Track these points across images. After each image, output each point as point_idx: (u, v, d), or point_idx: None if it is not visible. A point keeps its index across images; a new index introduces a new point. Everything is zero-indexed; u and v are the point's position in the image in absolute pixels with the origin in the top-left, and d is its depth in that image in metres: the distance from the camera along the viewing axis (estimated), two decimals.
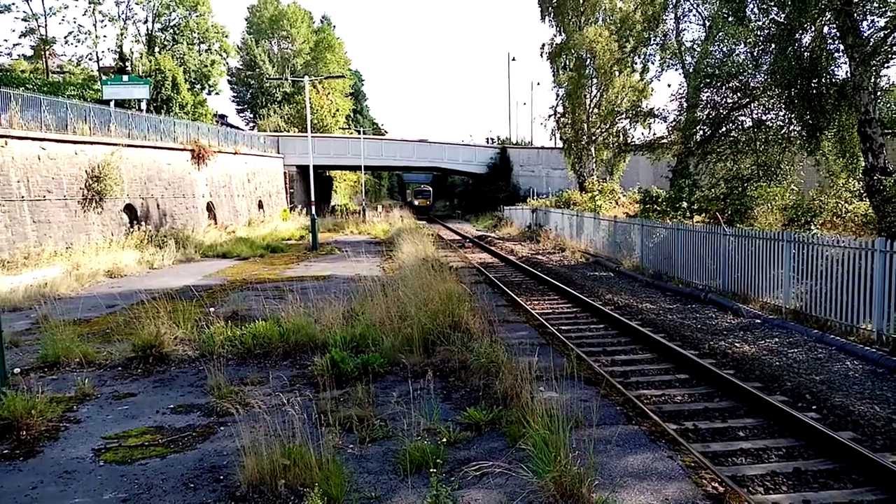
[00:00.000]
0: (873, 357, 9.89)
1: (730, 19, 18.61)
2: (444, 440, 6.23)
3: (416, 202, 78.68)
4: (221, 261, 24.70)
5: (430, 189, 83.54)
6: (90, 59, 53.52)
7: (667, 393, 8.90)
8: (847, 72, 16.37)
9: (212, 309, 12.85)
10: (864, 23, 16.19)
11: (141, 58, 50.03)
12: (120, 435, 6.88)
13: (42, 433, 6.89)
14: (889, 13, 15.72)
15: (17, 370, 9.10)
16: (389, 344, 9.35)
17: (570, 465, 5.06)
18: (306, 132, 34.42)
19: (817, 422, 7.39)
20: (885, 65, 16.34)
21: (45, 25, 50.73)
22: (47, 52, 51.73)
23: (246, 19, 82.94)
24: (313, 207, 31.05)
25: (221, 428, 6.99)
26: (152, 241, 25.51)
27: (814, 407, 8.18)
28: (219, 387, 8.00)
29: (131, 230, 26.15)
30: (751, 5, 18.17)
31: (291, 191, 54.43)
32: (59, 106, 24.98)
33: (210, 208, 36.66)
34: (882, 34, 15.65)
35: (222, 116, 66.97)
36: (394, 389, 8.01)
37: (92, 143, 25.41)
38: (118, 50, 52.56)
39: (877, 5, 15.92)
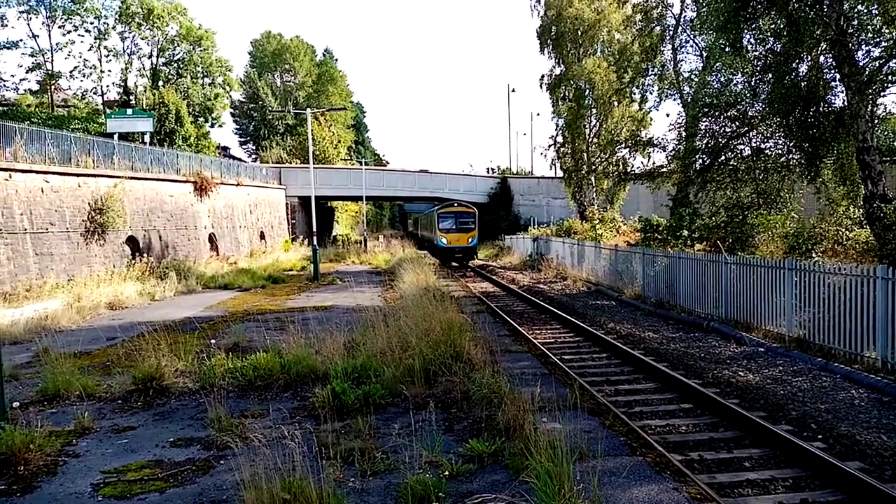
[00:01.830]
0: (878, 385, 9.81)
1: (727, 49, 18.83)
2: (447, 473, 6.16)
3: (444, 239, 40.07)
4: (223, 292, 24.69)
5: (475, 212, 41.32)
6: (95, 93, 54.28)
7: (671, 423, 8.82)
8: (844, 100, 16.53)
9: (212, 341, 12.81)
10: (860, 52, 16.39)
11: (145, 91, 50.68)
12: (119, 469, 6.80)
13: (40, 468, 6.82)
14: (884, 43, 15.91)
15: (16, 404, 9.05)
16: (391, 375, 9.30)
17: (575, 498, 4.99)
18: (308, 163, 34.65)
19: (824, 451, 7.30)
20: (882, 93, 16.52)
21: (52, 60, 51.55)
22: (53, 87, 52.42)
23: (249, 53, 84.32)
24: (315, 238, 31.13)
25: (221, 461, 6.92)
26: (154, 272, 25.51)
27: (820, 436, 8.09)
28: (219, 419, 7.94)
29: (133, 262, 26.18)
30: (747, 36, 18.40)
31: (293, 221, 54.63)
32: (63, 139, 25.20)
33: (212, 239, 36.76)
34: (877, 63, 15.83)
35: (225, 148, 67.53)
36: (395, 421, 7.94)
37: (95, 175, 25.59)
38: (122, 84, 53.31)
39: (871, 35, 16.13)
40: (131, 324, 15.52)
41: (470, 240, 39.90)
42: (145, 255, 27.34)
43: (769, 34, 18.05)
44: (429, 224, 47.25)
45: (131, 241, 27.72)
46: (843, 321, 11.50)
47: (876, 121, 17.39)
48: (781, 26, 17.10)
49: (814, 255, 16.47)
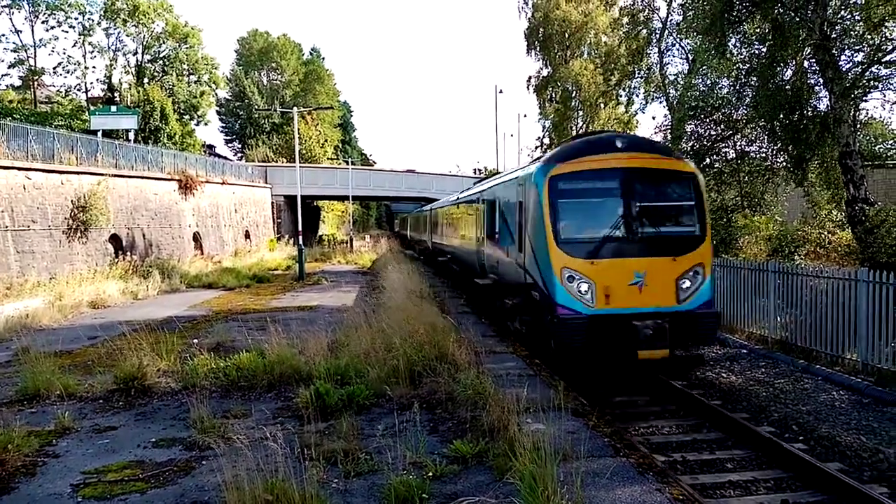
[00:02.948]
0: (859, 387, 9.91)
1: (712, 53, 19.00)
2: (430, 474, 6.14)
3: (580, 289, 9.69)
4: (207, 291, 24.51)
5: (694, 176, 10.43)
6: (79, 90, 53.65)
7: (654, 424, 8.86)
8: (828, 104, 16.71)
9: (195, 340, 12.71)
10: (843, 57, 16.59)
11: (130, 88, 50.16)
12: (100, 470, 6.72)
13: (18, 468, 6.71)
14: (867, 48, 16.11)
15: None
16: (375, 375, 9.26)
17: (558, 500, 4.99)
18: (294, 162, 34.51)
19: (805, 453, 7.37)
20: (864, 98, 16.71)
21: (35, 56, 50.96)
22: (36, 83, 51.82)
23: (236, 51, 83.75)
24: (300, 237, 30.99)
25: (203, 462, 6.85)
26: (137, 271, 25.28)
27: (801, 437, 8.16)
28: (201, 420, 7.86)
29: (116, 260, 25.92)
30: (733, 39, 18.57)
31: (279, 220, 54.36)
32: (45, 136, 24.91)
33: (196, 238, 36.49)
34: (860, 69, 16.02)
35: (210, 147, 67.05)
36: (379, 422, 7.91)
37: (78, 172, 25.31)
38: (107, 80, 52.74)
39: (854, 41, 16.32)
40: (113, 323, 15.36)
41: (690, 285, 9.95)
42: (128, 253, 27.06)
43: (754, 38, 18.22)
44: (496, 218, 14.46)
45: (114, 239, 27.45)
46: (825, 323, 11.60)
47: (858, 125, 17.61)
48: (766, 30, 17.27)
49: (797, 257, 16.62)
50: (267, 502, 5.30)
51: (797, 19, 15.90)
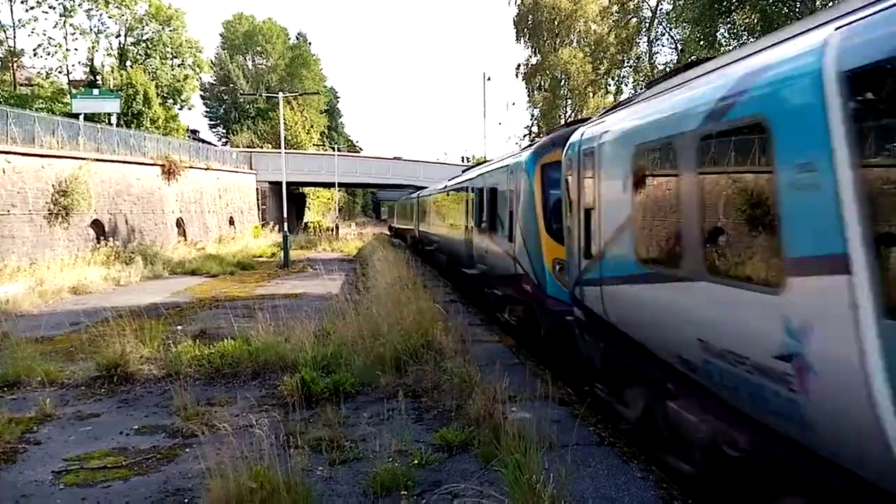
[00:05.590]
0: None
1: (701, 43, 19.02)
2: (416, 462, 6.14)
3: None
4: (190, 278, 24.33)
5: None
6: (60, 72, 52.79)
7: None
8: None
9: (179, 327, 12.63)
10: None
11: (112, 71, 49.46)
12: (82, 457, 6.66)
13: None
14: None
15: None
16: (361, 363, 9.23)
17: (542, 488, 5.00)
18: (280, 148, 34.26)
19: None
20: None
21: (14, 37, 50.02)
22: (15, 65, 50.93)
23: (220, 34, 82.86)
24: (285, 224, 30.81)
25: (187, 449, 6.80)
26: (119, 257, 25.05)
27: None
28: (185, 407, 7.81)
29: (98, 246, 25.66)
30: (721, 29, 18.62)
31: (263, 207, 54.02)
32: (26, 119, 24.54)
33: (180, 224, 36.18)
34: None
35: (194, 132, 66.38)
36: (365, 410, 7.90)
37: (60, 156, 24.96)
38: (89, 63, 51.93)
39: None
40: (95, 309, 15.19)
41: None
42: (111, 239, 26.80)
43: (743, 28, 18.27)
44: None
45: (96, 224, 27.14)
46: None
47: None
48: (755, 21, 17.32)
49: None
50: (251, 490, 5.26)
51: (786, 10, 15.94)
